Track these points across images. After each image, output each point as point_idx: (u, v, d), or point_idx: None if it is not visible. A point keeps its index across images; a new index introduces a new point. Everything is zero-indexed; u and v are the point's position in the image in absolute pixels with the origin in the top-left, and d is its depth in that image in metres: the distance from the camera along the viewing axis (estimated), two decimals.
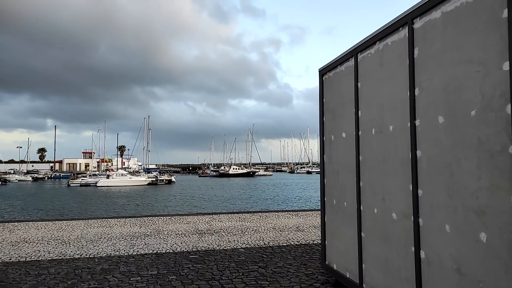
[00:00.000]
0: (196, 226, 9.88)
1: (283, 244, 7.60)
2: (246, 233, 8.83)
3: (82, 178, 62.32)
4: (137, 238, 8.43)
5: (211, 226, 9.90)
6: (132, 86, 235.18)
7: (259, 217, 11.33)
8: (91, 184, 57.96)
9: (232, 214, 12.23)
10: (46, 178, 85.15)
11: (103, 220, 11.31)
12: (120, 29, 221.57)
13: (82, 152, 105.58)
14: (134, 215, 15.44)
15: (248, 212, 12.75)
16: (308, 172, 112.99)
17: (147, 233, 8.97)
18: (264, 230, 9.20)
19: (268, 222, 10.33)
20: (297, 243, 7.65)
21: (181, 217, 11.78)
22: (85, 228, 9.86)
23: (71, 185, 58.74)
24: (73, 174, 73.90)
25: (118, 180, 58.05)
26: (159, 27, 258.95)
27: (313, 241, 7.85)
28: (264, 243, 7.69)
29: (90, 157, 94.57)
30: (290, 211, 13.33)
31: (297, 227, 9.51)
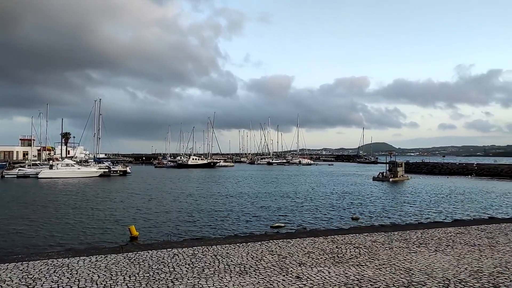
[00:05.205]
0: None
1: None
2: None
3: (20, 168, 53.20)
4: None
5: None
6: (65, 69, 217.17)
7: (353, 248, 6.32)
8: (30, 176, 49.29)
9: (302, 240, 7.05)
10: None
11: (26, 265, 5.68)
12: (45, 5, 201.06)
13: (20, 139, 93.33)
14: (96, 243, 9.32)
15: (315, 234, 7.65)
16: (269, 163, 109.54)
17: None
18: None
19: (394, 269, 5.37)
20: None
21: (203, 249, 6.43)
22: None
23: (5, 176, 49.64)
24: (9, 164, 63.85)
25: (64, 171, 49.85)
26: (89, 4, 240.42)
27: None
28: None
29: (30, 145, 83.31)
30: (383, 230, 8.34)
31: None
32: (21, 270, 5.37)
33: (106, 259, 5.90)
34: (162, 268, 5.40)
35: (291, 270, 5.28)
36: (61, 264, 5.64)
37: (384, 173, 48.01)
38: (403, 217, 19.41)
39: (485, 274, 5.08)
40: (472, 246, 6.69)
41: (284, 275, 5.05)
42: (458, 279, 4.89)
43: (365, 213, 20.93)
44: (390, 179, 45.60)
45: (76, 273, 5.19)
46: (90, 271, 5.31)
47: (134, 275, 5.12)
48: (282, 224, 17.06)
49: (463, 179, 49.37)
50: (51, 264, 5.68)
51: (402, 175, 47.87)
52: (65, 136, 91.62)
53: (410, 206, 23.80)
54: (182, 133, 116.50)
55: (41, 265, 5.60)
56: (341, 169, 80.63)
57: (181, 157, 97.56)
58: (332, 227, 16.75)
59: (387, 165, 50.31)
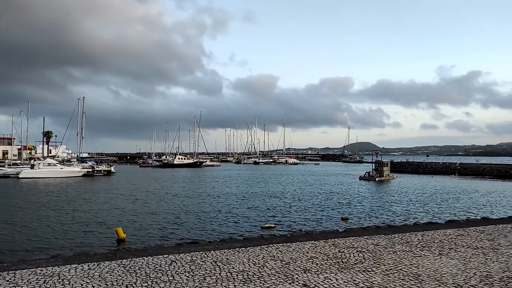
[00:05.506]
0: None
1: None
2: None
3: None
4: None
5: None
6: (46, 67, 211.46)
7: (357, 252, 6.15)
8: (11, 176, 47.87)
9: (303, 244, 6.84)
10: None
11: (13, 275, 5.34)
12: (26, 1, 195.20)
13: None
14: (78, 247, 8.11)
15: (315, 238, 7.43)
16: (256, 163, 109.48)
17: None
18: None
19: (402, 275, 5.21)
20: None
21: (201, 255, 6.16)
22: None
23: None
24: None
25: (46, 170, 48.57)
26: (70, 1, 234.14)
27: None
28: None
29: (10, 144, 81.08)
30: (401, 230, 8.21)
31: None
32: (7, 281, 5.00)
33: (100, 267, 5.57)
34: (160, 277, 5.11)
35: (297, 278, 5.06)
36: (51, 274, 5.30)
37: (371, 173, 48.34)
38: (391, 217, 19.44)
39: (495, 280, 4.96)
40: (475, 249, 6.61)
41: (290, 283, 4.83)
42: (470, 285, 4.75)
43: (354, 213, 20.91)
44: (377, 179, 45.94)
45: (69, 283, 4.86)
46: (83, 281, 4.98)
47: (131, 284, 4.82)
48: (273, 225, 16.86)
49: (447, 179, 50.13)
50: (40, 273, 5.32)
51: (388, 175, 48.31)
52: (47, 135, 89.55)
53: (398, 206, 23.93)
54: (168, 132, 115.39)
55: (29, 275, 5.24)
56: (328, 169, 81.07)
57: (166, 157, 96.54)
58: (323, 227, 16.62)
59: (373, 164, 50.70)
